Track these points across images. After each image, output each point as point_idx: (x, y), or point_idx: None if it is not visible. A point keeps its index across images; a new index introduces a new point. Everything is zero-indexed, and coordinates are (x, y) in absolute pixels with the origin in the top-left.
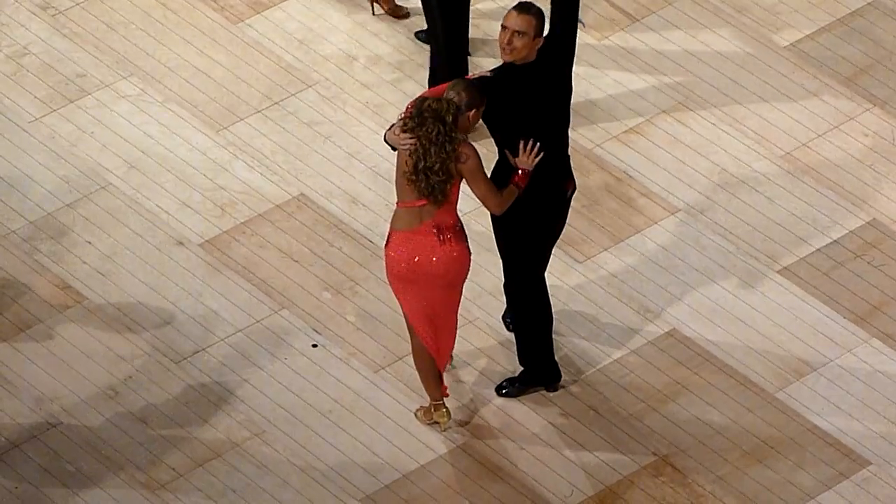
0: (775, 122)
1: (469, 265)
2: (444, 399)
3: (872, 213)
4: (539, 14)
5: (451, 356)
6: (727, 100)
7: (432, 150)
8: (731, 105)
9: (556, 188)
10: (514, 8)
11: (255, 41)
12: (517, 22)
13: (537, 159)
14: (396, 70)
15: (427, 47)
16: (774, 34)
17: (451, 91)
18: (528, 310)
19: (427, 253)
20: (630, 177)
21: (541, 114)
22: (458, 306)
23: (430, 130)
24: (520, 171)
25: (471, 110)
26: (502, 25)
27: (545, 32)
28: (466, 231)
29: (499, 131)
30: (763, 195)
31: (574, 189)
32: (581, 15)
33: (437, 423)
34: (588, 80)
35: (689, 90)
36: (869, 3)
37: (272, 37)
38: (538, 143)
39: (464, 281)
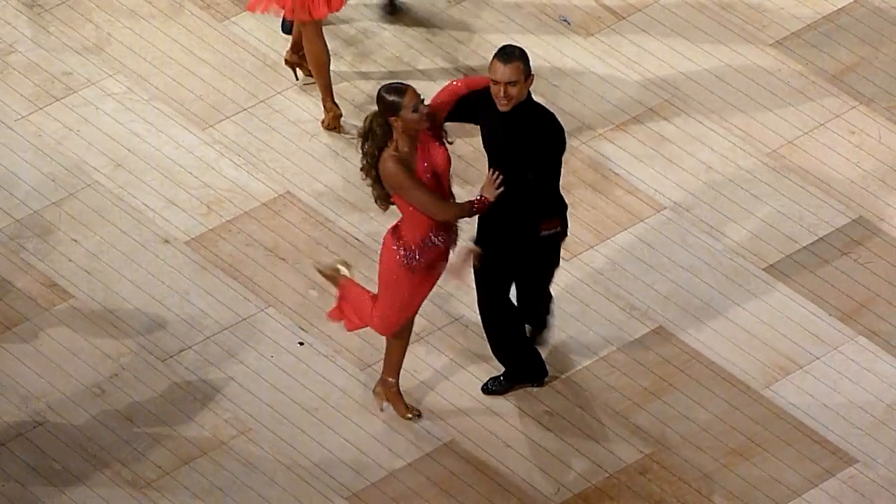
0: (761, 119)
1: (391, 275)
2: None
3: (859, 211)
4: (523, 55)
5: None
6: (713, 97)
7: (365, 165)
8: (717, 103)
9: (527, 225)
10: (498, 59)
11: (241, 39)
12: (506, 73)
13: (498, 192)
14: (382, 67)
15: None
16: (760, 31)
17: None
18: (495, 324)
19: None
20: (616, 174)
21: (511, 156)
22: (381, 299)
23: (364, 147)
24: (480, 196)
25: (399, 110)
26: (492, 79)
27: (532, 80)
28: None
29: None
30: (749, 193)
31: (558, 230)
32: (567, 14)
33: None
34: (574, 78)
35: (675, 88)
36: (855, 1)
37: (258, 34)
38: (501, 177)
39: (386, 284)
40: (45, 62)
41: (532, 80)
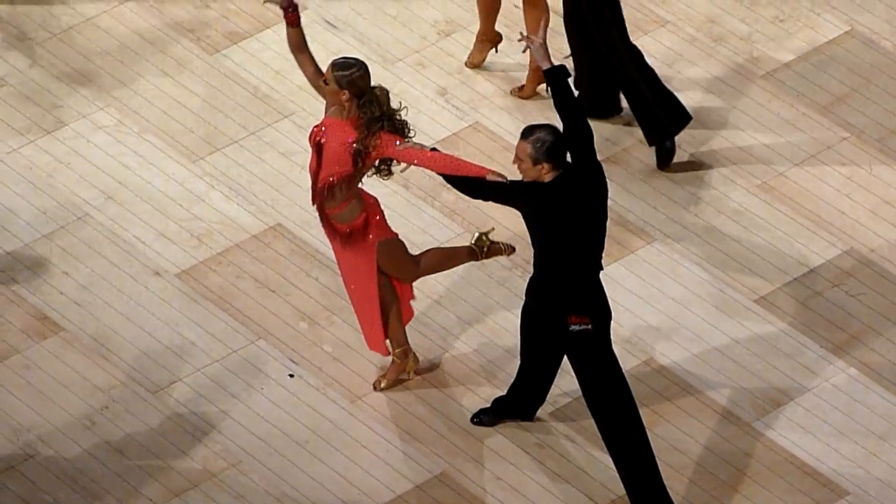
0: (752, 151)
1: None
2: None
3: (849, 243)
4: (537, 141)
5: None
6: (703, 129)
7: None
8: (707, 134)
9: (554, 314)
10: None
11: (231, 72)
12: (517, 146)
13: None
14: None
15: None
16: (751, 63)
17: None
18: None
19: None
20: None
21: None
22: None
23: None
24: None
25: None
26: None
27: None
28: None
29: None
30: (739, 224)
31: (588, 328)
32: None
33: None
34: None
35: None
36: (846, 32)
37: (248, 67)
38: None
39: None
40: (35, 95)
41: (545, 168)
